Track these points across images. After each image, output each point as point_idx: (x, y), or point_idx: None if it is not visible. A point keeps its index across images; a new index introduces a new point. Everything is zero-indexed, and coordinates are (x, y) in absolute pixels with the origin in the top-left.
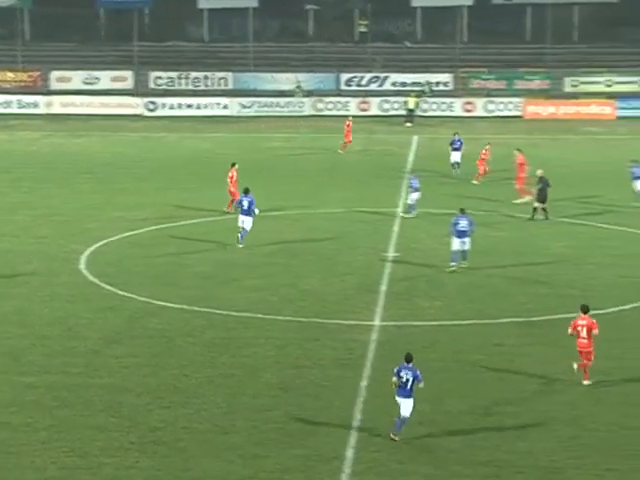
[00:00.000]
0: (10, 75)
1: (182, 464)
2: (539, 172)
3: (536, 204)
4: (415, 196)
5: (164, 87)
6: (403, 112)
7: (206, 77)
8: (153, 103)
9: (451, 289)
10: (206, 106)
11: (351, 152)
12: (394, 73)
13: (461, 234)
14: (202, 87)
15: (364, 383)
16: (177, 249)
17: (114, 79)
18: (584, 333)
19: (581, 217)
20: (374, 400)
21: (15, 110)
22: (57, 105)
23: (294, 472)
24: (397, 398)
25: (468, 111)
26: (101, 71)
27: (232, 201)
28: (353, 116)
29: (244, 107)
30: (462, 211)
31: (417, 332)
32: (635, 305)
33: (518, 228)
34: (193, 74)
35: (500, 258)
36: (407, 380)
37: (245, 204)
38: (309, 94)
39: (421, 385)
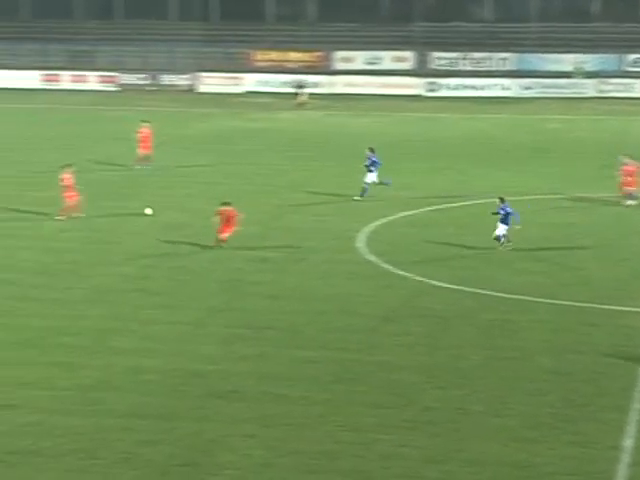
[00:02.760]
0: (295, 55)
1: (455, 445)
2: None
3: None
4: None
5: (445, 68)
6: None
7: (487, 58)
8: (434, 83)
9: None
10: (485, 87)
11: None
12: None
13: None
14: (483, 68)
15: None
16: (452, 230)
17: (395, 59)
18: None
19: None
20: None
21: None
22: (339, 85)
23: (569, 459)
24: None
25: None
26: (383, 51)
27: None
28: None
29: (524, 88)
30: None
31: None
32: None
33: None
34: (475, 55)
35: None
36: None
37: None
38: (591, 75)
39: None
